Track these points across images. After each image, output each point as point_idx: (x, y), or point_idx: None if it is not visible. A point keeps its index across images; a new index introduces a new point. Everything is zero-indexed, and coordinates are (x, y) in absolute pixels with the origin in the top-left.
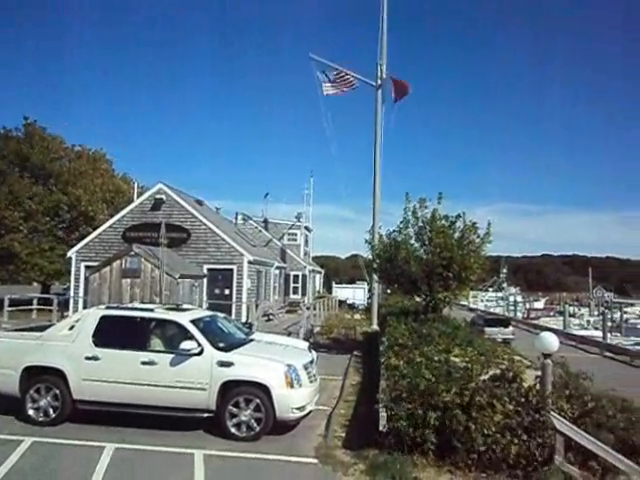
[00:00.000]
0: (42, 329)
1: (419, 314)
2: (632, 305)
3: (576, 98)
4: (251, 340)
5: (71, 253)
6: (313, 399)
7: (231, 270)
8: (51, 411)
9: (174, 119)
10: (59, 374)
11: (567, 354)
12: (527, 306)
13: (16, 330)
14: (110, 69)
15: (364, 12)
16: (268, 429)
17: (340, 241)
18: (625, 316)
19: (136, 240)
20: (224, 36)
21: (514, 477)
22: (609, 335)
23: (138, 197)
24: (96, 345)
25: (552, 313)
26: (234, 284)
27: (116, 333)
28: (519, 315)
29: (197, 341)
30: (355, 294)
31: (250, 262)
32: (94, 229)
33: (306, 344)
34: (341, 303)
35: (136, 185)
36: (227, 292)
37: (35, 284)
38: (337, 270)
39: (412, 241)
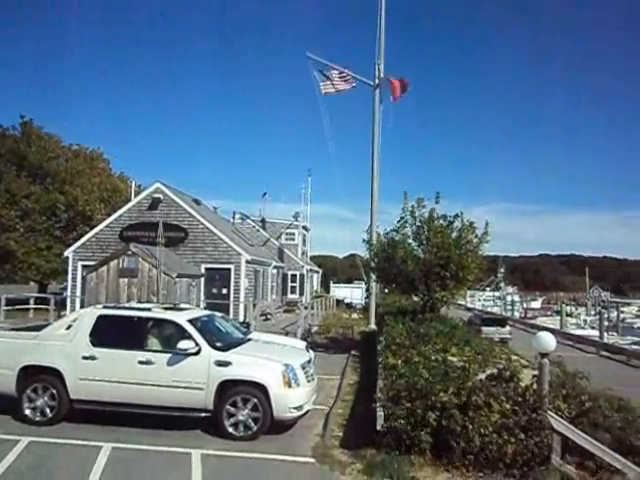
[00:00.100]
0: (39, 329)
1: (417, 313)
2: (629, 305)
3: (574, 98)
4: (249, 340)
5: (68, 252)
6: (311, 399)
7: (229, 269)
8: (48, 411)
9: (172, 118)
10: (56, 374)
11: (564, 353)
12: (524, 306)
13: (13, 330)
14: (109, 69)
15: (362, 12)
16: (265, 429)
17: (338, 241)
18: (622, 316)
19: (133, 239)
20: (222, 36)
21: (511, 476)
22: (606, 334)
23: (135, 196)
24: (93, 345)
25: (549, 313)
26: (232, 283)
27: (113, 333)
28: (516, 315)
29: (194, 341)
30: (353, 293)
31: (248, 261)
32: (91, 228)
33: (304, 343)
34: (339, 302)
35: (134, 184)
36: (225, 291)
37: (32, 283)
38: (335, 269)
39: (410, 240)
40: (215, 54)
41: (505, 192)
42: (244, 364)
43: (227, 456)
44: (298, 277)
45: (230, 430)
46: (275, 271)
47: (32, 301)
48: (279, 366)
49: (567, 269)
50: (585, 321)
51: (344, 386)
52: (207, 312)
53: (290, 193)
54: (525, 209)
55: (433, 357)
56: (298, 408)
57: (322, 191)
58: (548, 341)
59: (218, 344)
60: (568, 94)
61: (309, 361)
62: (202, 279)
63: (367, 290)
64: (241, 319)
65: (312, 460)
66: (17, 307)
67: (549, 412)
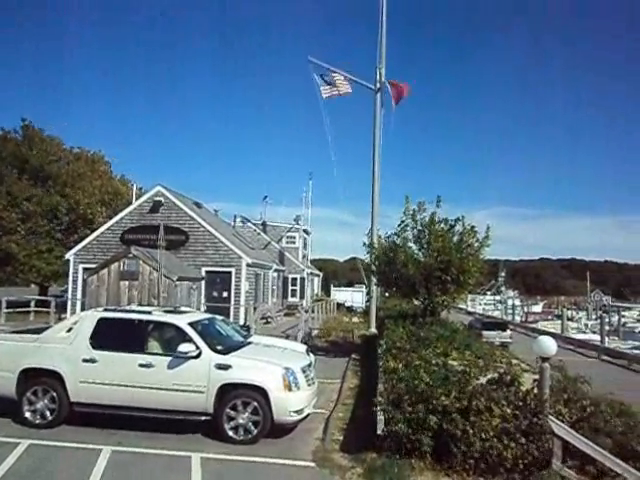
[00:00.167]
0: (39, 331)
1: (417, 317)
2: (630, 309)
3: (575, 100)
4: (249, 343)
5: (69, 255)
6: (311, 402)
7: (229, 273)
8: (48, 413)
9: (173, 121)
10: (56, 376)
11: (565, 358)
12: (525, 310)
13: (13, 332)
14: (109, 69)
15: (363, 14)
16: (266, 432)
17: (339, 244)
18: (623, 320)
19: (134, 242)
20: (223, 37)
21: None
22: (607, 339)
23: (137, 199)
24: (94, 347)
25: (550, 317)
26: (232, 287)
27: (114, 335)
28: (517, 319)
29: (195, 344)
30: (353, 297)
31: (248, 265)
32: (92, 231)
33: (304, 347)
34: (339, 306)
35: (135, 187)
36: (225, 295)
37: (33, 286)
38: (335, 273)
39: (411, 244)
40: (215, 55)
41: (506, 196)
42: (244, 367)
43: (227, 460)
44: (299, 280)
45: (230, 433)
46: (276, 274)
47: (33, 304)
48: (279, 370)
49: (568, 273)
50: (586, 325)
51: (344, 390)
52: (208, 315)
53: (291, 196)
54: (526, 213)
55: (434, 361)
56: (298, 412)
57: (323, 194)
58: (549, 345)
59: (219, 347)
60: (568, 97)
61: (309, 365)
62: (203, 282)
63: (368, 294)
64: (241, 322)
65: (312, 464)
66: (18, 310)
67: (550, 417)
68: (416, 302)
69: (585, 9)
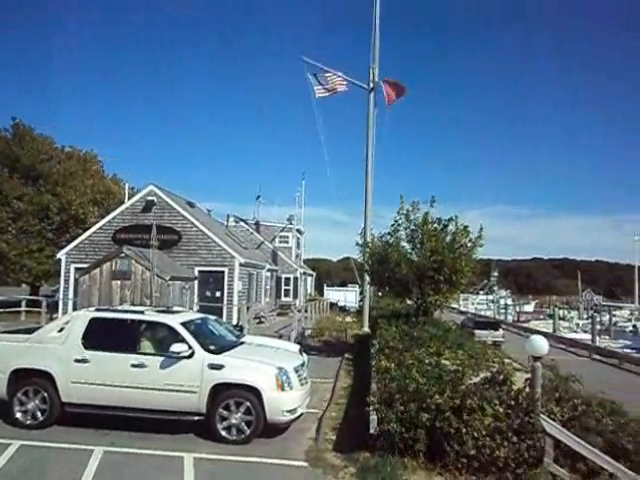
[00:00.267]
0: (31, 331)
1: (410, 317)
2: (621, 308)
3: (569, 101)
4: (242, 343)
5: (61, 255)
6: (304, 402)
7: (222, 272)
8: (39, 414)
9: (167, 120)
10: (47, 377)
11: (557, 357)
12: (517, 309)
13: (4, 332)
14: (107, 70)
15: (358, 16)
16: (259, 432)
17: (332, 244)
18: (614, 319)
19: (127, 242)
20: (219, 38)
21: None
22: (598, 338)
23: (129, 199)
24: (85, 347)
25: (542, 316)
26: (225, 286)
27: (106, 335)
28: (509, 318)
29: (188, 344)
30: (346, 297)
31: (241, 264)
32: (84, 231)
33: (297, 347)
34: (332, 306)
35: (127, 186)
36: (218, 294)
37: (24, 285)
38: (329, 273)
39: (404, 244)
40: (212, 55)
41: (499, 195)
42: (237, 367)
43: (220, 460)
44: (292, 280)
45: (223, 433)
46: (269, 274)
47: (24, 303)
48: (272, 369)
49: (560, 273)
50: (578, 325)
51: (337, 389)
52: (200, 315)
53: (284, 196)
54: (519, 213)
55: (426, 360)
56: (291, 411)
57: (316, 194)
58: (541, 345)
59: (211, 347)
60: (563, 96)
61: (302, 364)
62: (195, 282)
63: (361, 293)
64: (234, 322)
65: (305, 464)
66: (8, 310)
67: (542, 415)
68: (409, 302)
69: (581, 7)
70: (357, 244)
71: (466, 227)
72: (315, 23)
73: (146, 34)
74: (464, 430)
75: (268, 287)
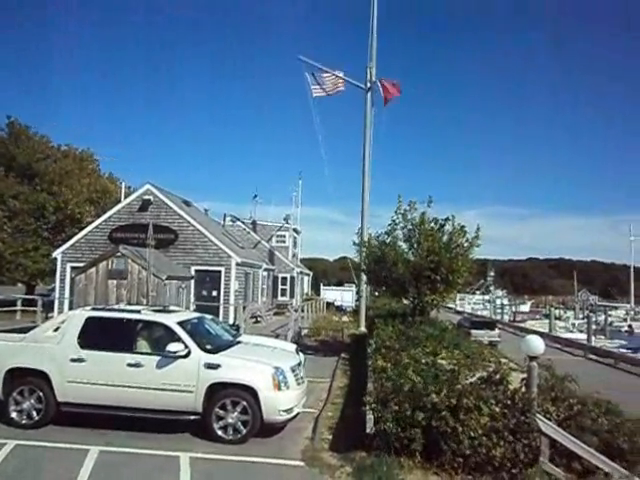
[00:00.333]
0: (26, 331)
1: (407, 316)
2: (616, 308)
3: (567, 101)
4: (238, 342)
5: (57, 254)
6: (300, 401)
7: (219, 272)
8: (34, 414)
9: (166, 120)
10: (43, 376)
11: (553, 356)
12: (513, 309)
13: None
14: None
15: (355, 15)
16: (255, 432)
17: (329, 243)
18: (609, 319)
19: (123, 241)
20: (218, 38)
21: (500, 479)
22: (593, 338)
23: (125, 198)
24: (81, 347)
25: (538, 316)
26: (222, 286)
27: (102, 335)
28: (505, 318)
29: (184, 343)
30: (343, 296)
31: (238, 264)
32: (80, 230)
33: (294, 346)
34: (329, 305)
35: (123, 185)
36: (215, 294)
37: (19, 284)
38: (325, 272)
39: (400, 243)
40: (212, 56)
41: (496, 196)
42: (234, 367)
43: (216, 459)
44: (288, 280)
45: (219, 433)
46: (265, 273)
47: (19, 303)
48: (269, 369)
49: (556, 273)
50: (573, 324)
51: (334, 389)
52: (197, 314)
53: (281, 196)
54: (515, 213)
55: (423, 360)
56: (288, 411)
57: (313, 194)
58: (537, 344)
59: (208, 347)
60: (561, 96)
61: (299, 364)
62: (192, 281)
63: (357, 293)
64: (231, 321)
65: (301, 463)
66: (4, 309)
67: (538, 415)
68: (406, 301)
69: (581, 7)
70: (354, 244)
71: (463, 227)
72: (313, 23)
73: (145, 34)
74: (460, 429)
75: (265, 286)
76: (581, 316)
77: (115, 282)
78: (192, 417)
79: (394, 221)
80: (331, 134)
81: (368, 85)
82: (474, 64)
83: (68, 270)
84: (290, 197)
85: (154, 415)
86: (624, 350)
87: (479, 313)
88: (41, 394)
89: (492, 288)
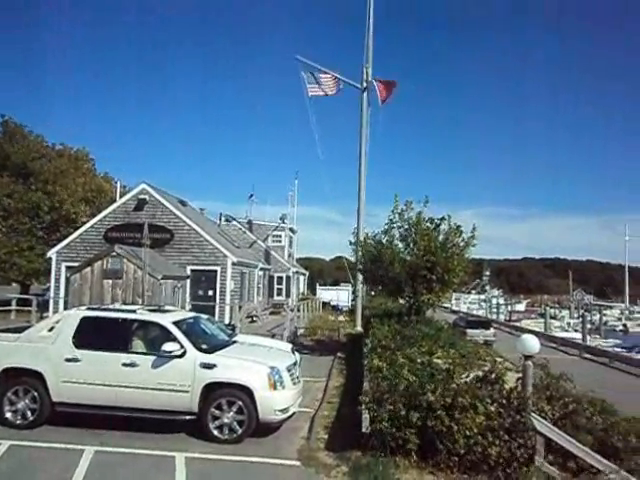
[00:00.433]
0: (21, 330)
1: (403, 316)
2: (611, 308)
3: (566, 101)
4: (234, 342)
5: (51, 253)
6: (296, 401)
7: (215, 271)
8: (29, 414)
9: (159, 120)
10: (38, 376)
11: (548, 356)
12: (509, 308)
13: None
14: (99, 70)
15: (352, 15)
16: (251, 431)
17: (325, 243)
18: (604, 318)
19: (118, 240)
20: (211, 38)
21: (495, 478)
22: (589, 337)
23: (121, 197)
24: (76, 347)
25: (533, 315)
26: (218, 285)
27: (97, 334)
28: (501, 317)
29: (179, 343)
30: (339, 296)
31: (234, 263)
32: (75, 229)
33: (289, 346)
34: (325, 305)
35: (119, 185)
36: (210, 293)
37: (14, 284)
38: (321, 272)
39: (397, 242)
40: (205, 56)
41: (493, 196)
42: (229, 367)
43: (212, 459)
44: (284, 279)
45: (215, 433)
46: (261, 273)
47: (14, 302)
48: (265, 369)
49: (551, 272)
50: (569, 324)
51: (330, 388)
52: (192, 314)
53: (277, 195)
54: (511, 213)
55: (419, 359)
56: (284, 411)
57: (309, 193)
58: (532, 344)
59: (203, 346)
60: (560, 97)
61: (295, 363)
62: (188, 281)
63: (354, 292)
64: (227, 321)
65: (297, 463)
66: None
67: (533, 414)
68: (402, 301)
69: (581, 7)
70: (350, 243)
71: (459, 227)
72: (309, 22)
73: (138, 34)
74: (456, 428)
75: (260, 286)
76: (576, 315)
77: (110, 282)
78: (188, 417)
79: (391, 220)
80: (327, 133)
81: (364, 85)
82: (473, 63)
83: (63, 270)
84: (286, 196)
85: (149, 415)
86: (619, 349)
87: (475, 312)
88: (36, 394)
89: (488, 287)
